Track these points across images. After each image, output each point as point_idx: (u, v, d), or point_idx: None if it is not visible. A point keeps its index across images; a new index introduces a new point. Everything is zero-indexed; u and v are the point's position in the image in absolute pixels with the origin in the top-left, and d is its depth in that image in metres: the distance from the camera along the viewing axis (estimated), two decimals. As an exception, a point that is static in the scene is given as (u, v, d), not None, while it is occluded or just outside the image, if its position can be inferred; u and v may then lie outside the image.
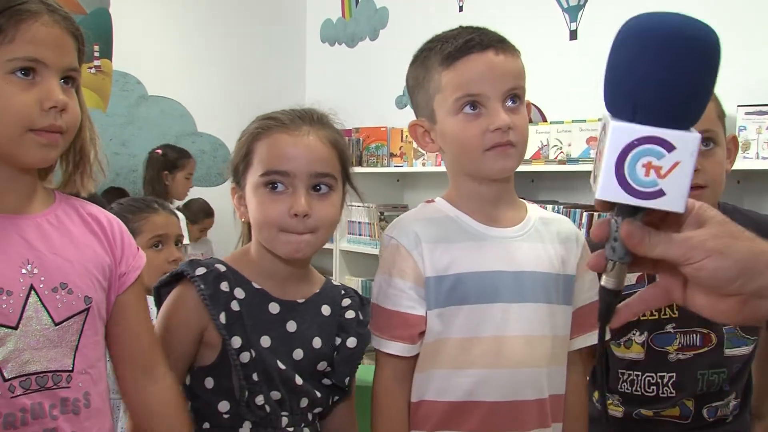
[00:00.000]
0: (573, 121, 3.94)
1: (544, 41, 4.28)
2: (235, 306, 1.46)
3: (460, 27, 1.57)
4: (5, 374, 1.25)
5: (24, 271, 1.28)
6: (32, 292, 1.28)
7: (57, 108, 1.26)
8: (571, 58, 4.22)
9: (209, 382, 1.48)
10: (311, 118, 1.51)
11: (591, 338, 1.63)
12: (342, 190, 1.54)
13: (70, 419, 1.31)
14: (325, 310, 1.55)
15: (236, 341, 1.44)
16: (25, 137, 1.25)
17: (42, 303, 1.29)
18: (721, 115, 1.69)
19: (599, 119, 0.86)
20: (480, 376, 1.52)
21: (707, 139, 1.63)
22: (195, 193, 5.15)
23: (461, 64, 1.51)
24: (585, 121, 3.88)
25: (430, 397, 1.55)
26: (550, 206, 3.80)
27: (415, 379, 1.56)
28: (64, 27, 1.29)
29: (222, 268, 1.49)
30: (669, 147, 0.82)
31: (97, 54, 5.29)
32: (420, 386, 1.56)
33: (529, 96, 1.57)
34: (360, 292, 1.65)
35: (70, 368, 1.32)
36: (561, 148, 3.97)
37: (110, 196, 3.70)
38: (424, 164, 4.92)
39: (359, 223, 5.11)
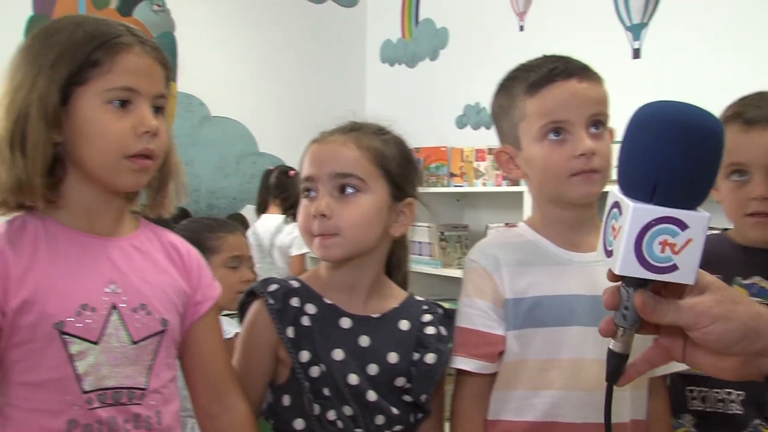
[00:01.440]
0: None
1: (607, 60, 4.18)
2: (305, 321, 1.48)
3: (544, 56, 1.60)
4: (84, 386, 1.32)
5: (107, 290, 1.35)
6: (114, 310, 1.35)
7: (150, 133, 1.34)
8: (634, 77, 4.16)
9: (286, 400, 1.50)
10: (350, 127, 1.55)
11: (673, 365, 1.61)
12: (383, 193, 1.52)
13: None
14: (404, 325, 1.55)
15: (304, 355, 1.46)
16: (120, 163, 1.33)
17: (122, 321, 1.35)
18: None
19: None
20: (557, 397, 1.53)
21: None
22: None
23: (546, 91, 1.53)
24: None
25: (507, 416, 1.56)
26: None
27: (492, 398, 1.58)
28: (154, 57, 1.37)
29: (295, 284, 1.52)
30: (683, 226, 0.89)
31: (162, 76, 5.39)
32: (497, 405, 1.58)
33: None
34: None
35: (144, 386, 1.38)
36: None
37: (173, 217, 3.75)
38: (484, 184, 4.89)
39: (420, 243, 5.10)
